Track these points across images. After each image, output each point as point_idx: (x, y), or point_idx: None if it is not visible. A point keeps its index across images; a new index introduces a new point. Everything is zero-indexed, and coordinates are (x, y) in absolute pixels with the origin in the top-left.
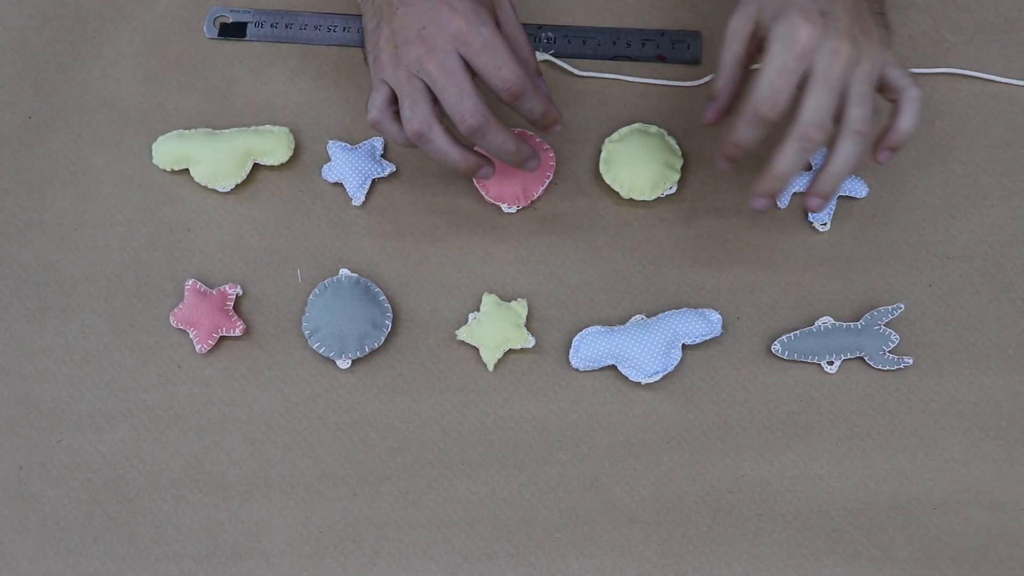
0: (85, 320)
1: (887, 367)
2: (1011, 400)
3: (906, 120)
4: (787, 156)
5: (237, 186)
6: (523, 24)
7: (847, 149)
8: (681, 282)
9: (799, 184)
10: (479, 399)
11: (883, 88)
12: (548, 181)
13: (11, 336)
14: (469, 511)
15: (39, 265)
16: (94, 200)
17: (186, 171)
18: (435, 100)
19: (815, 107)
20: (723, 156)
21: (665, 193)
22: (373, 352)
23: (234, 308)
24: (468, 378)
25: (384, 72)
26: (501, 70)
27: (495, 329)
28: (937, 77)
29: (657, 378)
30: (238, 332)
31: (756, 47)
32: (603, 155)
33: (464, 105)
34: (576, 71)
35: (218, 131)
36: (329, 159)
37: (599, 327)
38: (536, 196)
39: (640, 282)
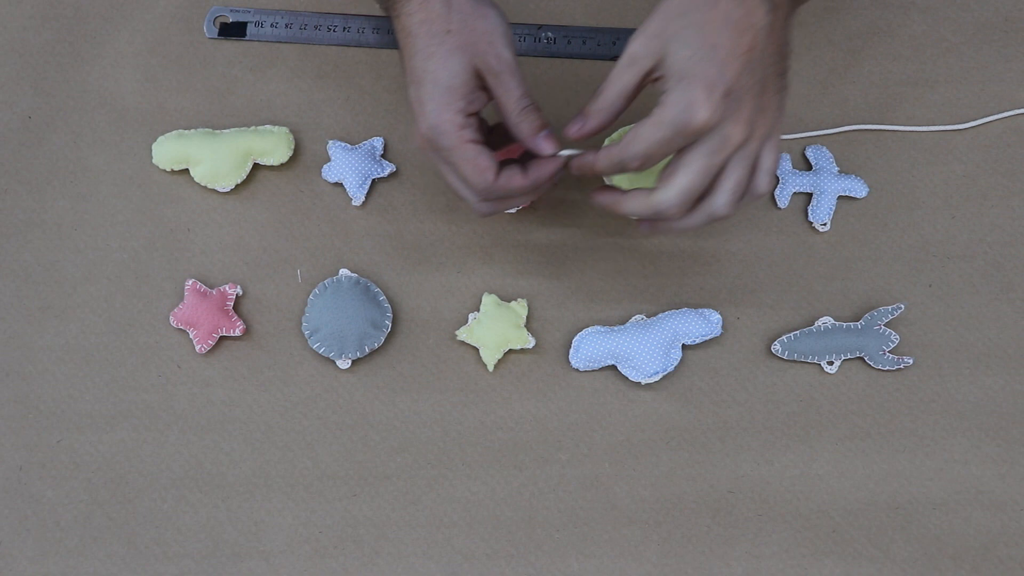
0: (85, 320)
1: (887, 367)
2: (1011, 400)
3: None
4: (637, 204)
5: (237, 186)
6: (523, 24)
7: (696, 220)
8: (681, 282)
9: (799, 184)
10: (479, 399)
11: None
12: None
13: (11, 336)
14: (469, 511)
15: (39, 265)
16: (94, 200)
17: (186, 171)
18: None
19: (684, 189)
20: (577, 171)
21: None
22: (373, 352)
23: (234, 308)
24: (468, 378)
25: None
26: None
27: (495, 329)
28: (937, 76)
29: (657, 378)
30: (238, 332)
31: (649, 81)
32: None
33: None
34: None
35: (218, 131)
36: (329, 159)
37: (599, 327)
38: (535, 196)
39: (640, 282)
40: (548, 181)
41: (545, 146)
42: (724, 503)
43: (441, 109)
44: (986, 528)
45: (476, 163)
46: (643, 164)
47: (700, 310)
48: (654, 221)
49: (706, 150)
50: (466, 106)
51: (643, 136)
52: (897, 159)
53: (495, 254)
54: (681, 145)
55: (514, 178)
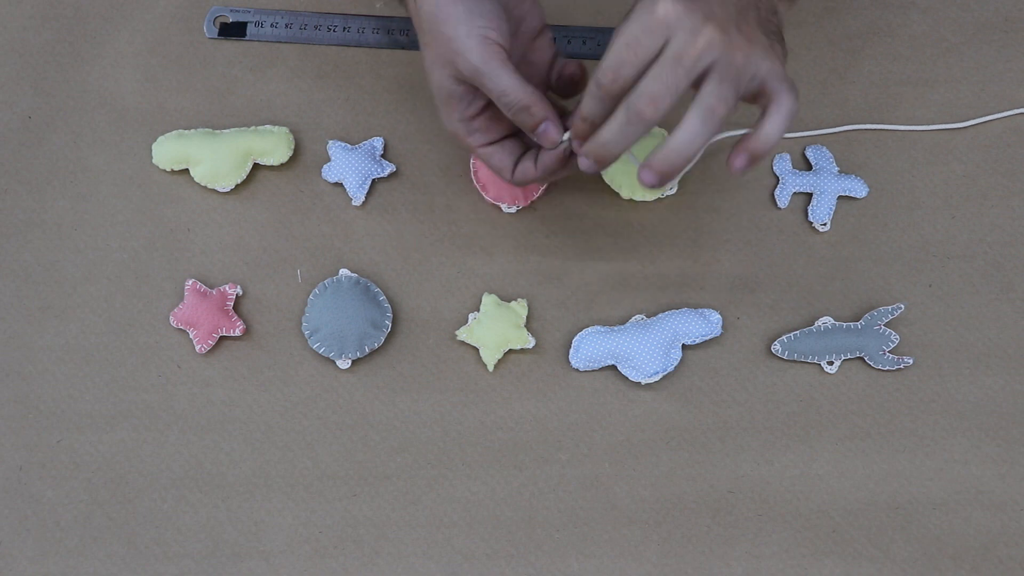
0: (85, 320)
1: (887, 367)
2: (1011, 400)
3: (771, 126)
4: (613, 126)
5: (237, 186)
6: None
7: (693, 124)
8: (681, 282)
9: (799, 184)
10: (479, 399)
11: (758, 94)
12: None
13: (11, 336)
14: (469, 511)
15: (39, 265)
16: (94, 200)
17: (186, 171)
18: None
19: (653, 79)
20: (573, 134)
21: (665, 194)
22: (373, 352)
23: (234, 308)
24: (468, 378)
25: None
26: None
27: (495, 329)
28: (937, 76)
29: (657, 378)
30: (238, 332)
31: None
32: None
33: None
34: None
35: (218, 131)
36: (329, 159)
37: (599, 327)
38: (536, 196)
39: (640, 282)
40: (560, 166)
41: (545, 140)
42: (724, 503)
43: (447, 120)
44: (986, 528)
45: (490, 164)
46: (615, 76)
47: (700, 310)
48: (657, 168)
49: (676, 46)
50: (463, 113)
51: (612, 46)
52: (897, 159)
53: (495, 254)
54: (648, 46)
55: (528, 171)
